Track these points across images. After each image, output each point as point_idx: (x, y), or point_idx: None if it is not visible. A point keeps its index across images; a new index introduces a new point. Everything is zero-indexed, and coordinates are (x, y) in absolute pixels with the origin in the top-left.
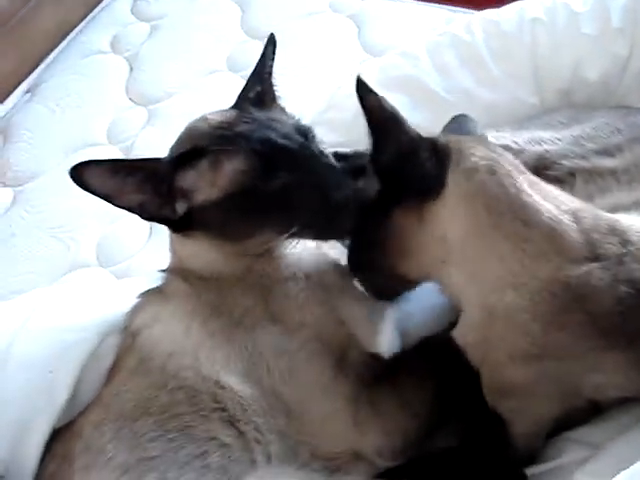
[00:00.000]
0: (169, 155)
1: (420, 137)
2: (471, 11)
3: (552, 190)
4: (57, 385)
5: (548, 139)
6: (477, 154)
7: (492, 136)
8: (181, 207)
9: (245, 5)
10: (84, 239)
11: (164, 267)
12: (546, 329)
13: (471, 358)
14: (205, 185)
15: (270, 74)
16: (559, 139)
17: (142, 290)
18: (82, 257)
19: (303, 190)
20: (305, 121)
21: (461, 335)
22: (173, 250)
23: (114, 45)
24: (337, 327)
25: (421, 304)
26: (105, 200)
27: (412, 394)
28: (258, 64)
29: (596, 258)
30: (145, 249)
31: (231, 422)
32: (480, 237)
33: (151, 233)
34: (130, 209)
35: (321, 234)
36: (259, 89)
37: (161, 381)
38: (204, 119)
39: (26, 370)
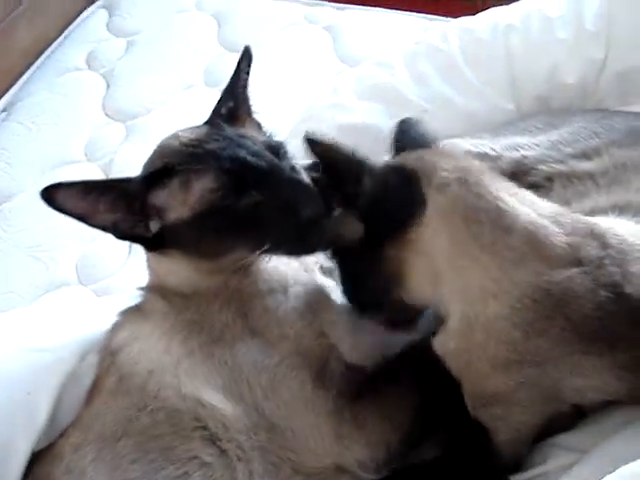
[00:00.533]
0: (142, 172)
1: (387, 167)
2: (447, 19)
3: (528, 195)
4: (36, 406)
5: (525, 144)
6: (445, 167)
7: (470, 143)
8: (154, 225)
9: (221, 19)
10: (63, 258)
11: (143, 285)
12: (527, 335)
13: (452, 368)
14: (177, 204)
15: (245, 88)
16: (536, 144)
17: (121, 308)
18: (62, 276)
19: (273, 208)
20: (282, 133)
21: (441, 345)
22: (150, 268)
23: (90, 62)
24: (317, 339)
25: None
26: (79, 220)
27: (395, 406)
28: (232, 78)
29: (577, 262)
30: (125, 267)
31: (212, 441)
32: (462, 249)
33: (131, 251)
34: (104, 228)
35: (292, 250)
36: (232, 104)
37: (142, 401)
38: (176, 136)
39: (4, 391)
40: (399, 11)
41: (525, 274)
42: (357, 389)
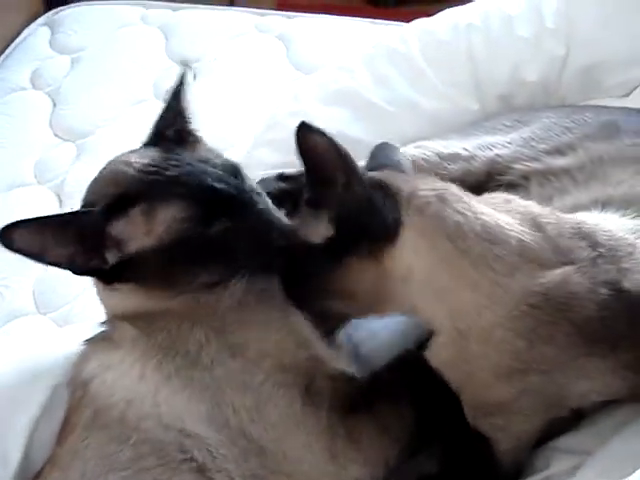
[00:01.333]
0: (88, 198)
1: (370, 181)
2: (397, 24)
3: (505, 203)
4: (7, 447)
5: (498, 143)
6: (424, 187)
7: (440, 145)
8: (112, 257)
9: (168, 31)
10: (19, 286)
11: (102, 319)
12: (531, 344)
13: (450, 379)
14: (139, 234)
15: (187, 107)
16: (509, 142)
17: (86, 337)
18: (18, 305)
19: (244, 234)
20: (244, 144)
21: (435, 357)
22: (102, 301)
23: (34, 80)
24: (299, 351)
25: (384, 322)
26: (33, 259)
27: (391, 419)
28: (172, 99)
29: (569, 262)
30: (86, 291)
31: (201, 471)
32: (448, 267)
33: None
34: (59, 265)
35: (261, 274)
36: (178, 125)
37: (123, 434)
38: (127, 163)
39: None
40: (348, 16)
41: (519, 281)
42: (350, 405)
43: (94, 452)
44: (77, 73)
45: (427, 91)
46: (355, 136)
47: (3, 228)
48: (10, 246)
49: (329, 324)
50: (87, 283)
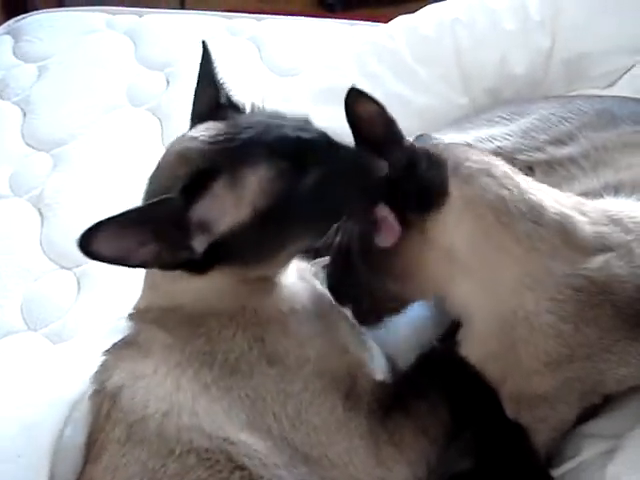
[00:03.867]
0: (154, 189)
1: (417, 150)
2: (370, 24)
3: (548, 187)
4: (33, 470)
5: (498, 135)
6: (472, 158)
7: (440, 139)
8: (200, 244)
9: (136, 37)
10: (6, 302)
11: (130, 313)
12: (576, 327)
13: (490, 372)
14: (227, 208)
15: (223, 79)
16: (509, 134)
17: (107, 346)
18: (7, 323)
19: (344, 176)
20: None
21: (473, 350)
22: (158, 289)
23: (1, 91)
24: (341, 356)
25: (403, 319)
26: (118, 264)
27: (427, 419)
28: (203, 72)
29: (608, 249)
30: (77, 304)
31: None
32: (490, 241)
33: (80, 287)
34: (145, 265)
35: (364, 216)
36: (225, 95)
37: (164, 447)
38: (192, 138)
39: None
40: (319, 18)
41: (561, 265)
42: (387, 407)
43: (136, 468)
44: (45, 81)
45: (416, 86)
46: (348, 134)
47: (81, 237)
48: (93, 256)
49: (375, 306)
50: (77, 296)
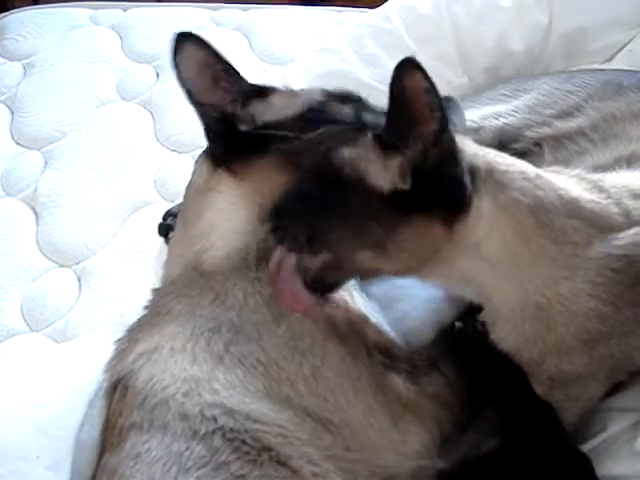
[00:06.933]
0: None
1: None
2: (359, 10)
3: (567, 178)
4: (54, 469)
5: (504, 112)
6: (503, 162)
7: None
8: None
9: (122, 31)
10: (5, 304)
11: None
12: (616, 308)
13: (526, 355)
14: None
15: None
16: (514, 110)
17: (119, 333)
18: (8, 324)
19: None
20: None
21: (506, 336)
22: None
23: None
24: (347, 311)
25: (415, 301)
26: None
27: (440, 386)
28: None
29: (636, 224)
30: (79, 301)
31: (281, 462)
32: (528, 243)
33: (81, 284)
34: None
35: None
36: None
37: (187, 429)
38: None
39: (8, 462)
40: (306, 5)
41: (598, 249)
42: (397, 368)
43: (159, 453)
44: (32, 79)
45: None
46: None
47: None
48: (175, 54)
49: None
50: (78, 293)
